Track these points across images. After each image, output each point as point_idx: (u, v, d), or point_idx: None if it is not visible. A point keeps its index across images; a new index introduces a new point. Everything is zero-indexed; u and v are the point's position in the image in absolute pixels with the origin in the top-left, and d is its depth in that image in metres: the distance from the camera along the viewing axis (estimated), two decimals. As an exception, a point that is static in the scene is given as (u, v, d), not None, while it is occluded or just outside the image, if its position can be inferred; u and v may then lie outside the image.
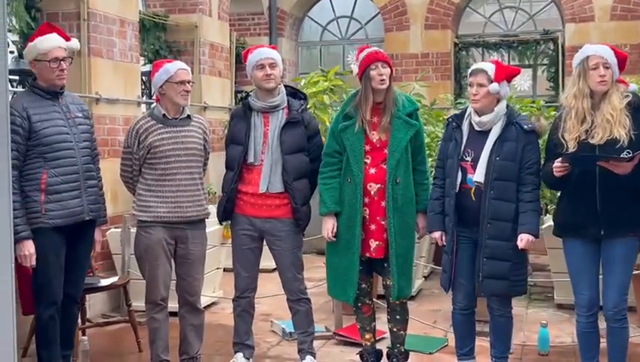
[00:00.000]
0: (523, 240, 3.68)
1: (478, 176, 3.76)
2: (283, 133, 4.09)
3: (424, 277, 6.63)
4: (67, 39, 3.90)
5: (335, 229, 4.02)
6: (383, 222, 3.96)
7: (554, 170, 3.60)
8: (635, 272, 4.97)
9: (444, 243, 3.90)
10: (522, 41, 9.89)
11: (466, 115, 3.90)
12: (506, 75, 3.82)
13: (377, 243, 3.98)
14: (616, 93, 3.60)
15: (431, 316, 5.45)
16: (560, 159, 3.57)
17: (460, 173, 3.81)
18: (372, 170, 3.97)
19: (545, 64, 9.80)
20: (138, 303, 4.66)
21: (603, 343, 3.80)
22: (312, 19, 10.87)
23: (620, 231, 3.59)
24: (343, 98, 5.63)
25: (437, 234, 3.93)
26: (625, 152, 3.45)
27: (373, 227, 3.98)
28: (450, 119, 4.01)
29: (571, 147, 3.61)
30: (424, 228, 4.08)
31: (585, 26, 9.33)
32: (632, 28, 9.25)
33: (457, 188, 3.81)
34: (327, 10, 10.69)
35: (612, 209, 3.55)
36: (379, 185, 3.96)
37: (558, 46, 9.61)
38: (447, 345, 4.75)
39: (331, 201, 4.03)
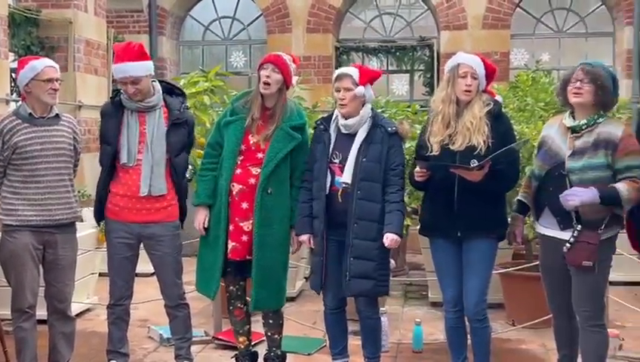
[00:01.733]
0: (388, 238, 3.76)
1: (346, 177, 3.81)
2: (170, 134, 4.00)
3: (305, 278, 6.67)
4: None
5: (206, 222, 4.00)
6: (241, 224, 3.95)
7: (415, 174, 3.74)
8: (502, 271, 5.26)
9: (312, 246, 3.93)
10: (400, 47, 10.17)
11: (333, 118, 3.94)
12: (369, 78, 3.90)
13: (234, 244, 3.96)
14: (479, 102, 3.72)
15: (311, 316, 5.49)
16: (418, 166, 3.71)
17: (328, 175, 3.86)
18: (238, 171, 3.95)
19: (421, 70, 10.13)
20: (4, 311, 4.43)
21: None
22: (194, 18, 10.72)
23: (476, 233, 3.73)
24: (224, 99, 5.59)
25: (304, 238, 3.94)
26: (471, 161, 3.58)
27: (231, 227, 3.97)
28: (318, 122, 4.02)
29: (435, 150, 3.72)
30: (298, 244, 4.05)
31: (459, 33, 9.72)
32: (502, 36, 9.74)
33: (327, 190, 3.85)
34: (209, 10, 10.58)
35: (468, 211, 3.68)
36: (241, 187, 3.94)
37: (433, 52, 9.95)
38: (325, 346, 4.80)
39: (204, 193, 4.01)
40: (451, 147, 3.70)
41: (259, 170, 3.91)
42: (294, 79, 4.04)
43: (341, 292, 3.91)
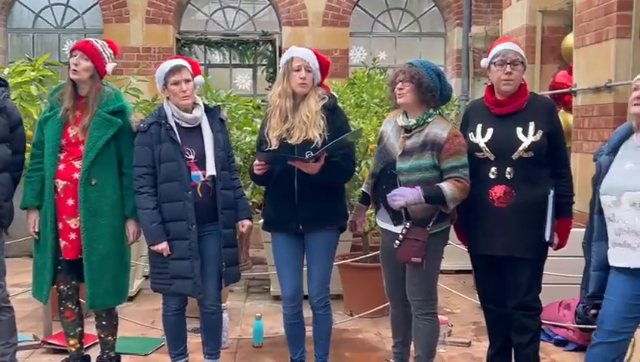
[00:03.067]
0: (246, 225, 3.88)
1: (211, 169, 3.76)
2: None
3: (144, 276, 6.48)
4: None
5: (37, 225, 3.84)
6: (68, 222, 3.79)
7: (254, 167, 3.73)
8: (339, 262, 5.38)
9: (170, 253, 3.75)
10: (242, 41, 10.14)
11: (170, 115, 3.81)
12: (196, 69, 3.92)
13: (64, 243, 3.81)
14: (314, 96, 3.78)
15: (149, 316, 5.34)
16: (257, 158, 3.72)
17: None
18: (62, 166, 3.78)
19: (264, 64, 10.15)
20: None
21: (309, 332, 4.01)
22: (23, 4, 10.06)
23: (316, 226, 3.79)
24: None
25: (163, 246, 3.74)
26: (307, 153, 3.63)
27: (60, 226, 3.80)
28: (148, 123, 3.80)
29: (274, 145, 3.74)
30: (134, 234, 3.91)
31: (300, 29, 9.83)
32: (341, 34, 9.95)
33: (189, 188, 3.74)
34: (38, -4, 10.00)
35: (308, 205, 3.73)
36: (65, 183, 3.77)
37: (276, 47, 10.00)
38: (164, 345, 4.68)
39: (30, 195, 3.83)
40: (289, 141, 3.72)
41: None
42: (109, 66, 3.87)
43: (196, 292, 3.80)
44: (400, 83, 3.59)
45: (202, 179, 3.76)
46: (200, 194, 3.77)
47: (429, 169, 3.54)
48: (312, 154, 3.60)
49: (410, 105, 3.62)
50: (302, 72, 3.73)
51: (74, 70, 3.75)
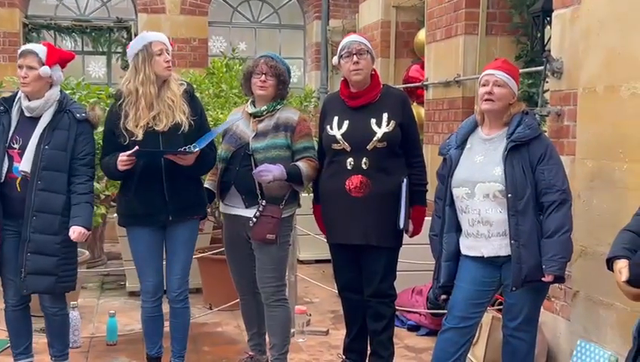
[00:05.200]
0: (75, 232, 3.54)
1: (25, 165, 3.52)
2: None
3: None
4: None
5: None
6: None
7: (119, 163, 3.53)
8: (199, 255, 5.29)
9: None
10: (96, 27, 9.73)
11: (16, 99, 3.63)
12: (59, 58, 3.67)
13: None
14: (174, 81, 3.70)
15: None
16: (127, 153, 3.52)
17: (6, 161, 3.54)
18: None
19: (119, 52, 9.78)
20: None
21: (166, 328, 3.91)
22: None
23: (186, 216, 3.74)
24: None
25: None
26: (192, 146, 3.55)
27: None
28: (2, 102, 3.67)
29: (140, 135, 3.58)
30: None
31: (156, 17, 9.57)
32: (200, 23, 9.80)
33: (3, 178, 3.52)
34: None
35: (177, 196, 3.66)
36: None
37: (131, 35, 9.67)
38: (9, 346, 4.40)
39: None
40: (156, 128, 3.60)
41: None
42: None
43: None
44: (264, 75, 3.69)
45: (22, 173, 3.53)
46: (18, 189, 3.54)
47: (284, 148, 3.70)
48: (197, 147, 3.53)
49: (266, 98, 3.76)
50: (165, 55, 3.65)
51: None
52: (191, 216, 3.77)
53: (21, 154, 3.53)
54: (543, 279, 3.12)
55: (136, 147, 3.53)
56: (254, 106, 3.79)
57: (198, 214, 3.82)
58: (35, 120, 3.59)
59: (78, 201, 3.58)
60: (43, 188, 3.52)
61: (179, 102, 3.64)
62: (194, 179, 3.78)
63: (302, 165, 3.69)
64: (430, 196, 3.68)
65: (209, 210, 4.20)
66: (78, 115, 3.64)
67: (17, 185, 3.53)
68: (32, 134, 3.55)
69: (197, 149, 3.55)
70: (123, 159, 3.52)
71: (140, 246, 3.78)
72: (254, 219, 3.62)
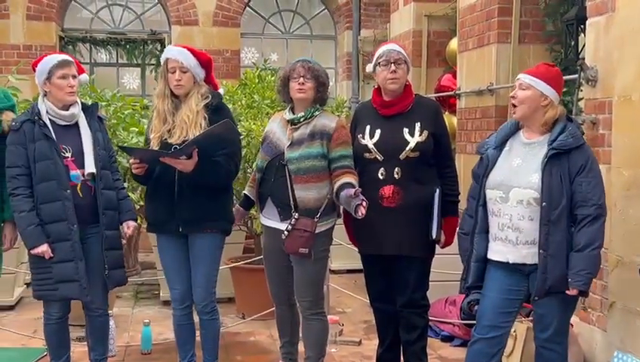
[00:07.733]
0: (131, 227, 3.75)
1: (90, 167, 3.61)
2: None
3: (26, 284, 6.19)
4: None
5: None
6: None
7: (132, 167, 3.64)
8: (231, 265, 5.33)
9: (53, 256, 3.54)
10: (130, 40, 9.89)
11: (45, 112, 3.61)
12: (79, 68, 3.79)
13: None
14: (196, 96, 3.69)
15: (32, 325, 5.10)
16: (132, 156, 3.65)
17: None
18: None
19: (153, 64, 9.92)
20: None
21: (198, 337, 3.92)
22: None
23: (196, 228, 3.71)
24: None
25: (44, 248, 3.53)
26: (172, 147, 3.57)
27: None
28: (21, 120, 3.60)
29: (155, 145, 3.67)
30: (10, 240, 3.75)
31: (190, 29, 9.69)
32: (232, 34, 9.90)
33: (69, 188, 3.57)
34: None
35: (188, 205, 3.66)
36: None
37: (165, 47, 9.79)
38: (46, 355, 4.48)
39: None
40: (169, 140, 3.64)
41: None
42: None
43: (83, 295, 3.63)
44: (302, 78, 3.62)
45: (81, 178, 3.61)
46: (80, 195, 3.61)
47: (318, 157, 3.60)
48: (177, 148, 3.54)
49: (306, 101, 3.66)
50: (176, 74, 3.65)
51: None
52: (203, 228, 3.71)
53: (75, 162, 3.60)
54: (567, 292, 3.07)
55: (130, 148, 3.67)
56: (293, 113, 3.72)
57: (212, 228, 3.74)
58: (71, 127, 3.66)
59: (123, 196, 3.79)
60: (104, 187, 3.67)
61: (194, 119, 3.63)
62: (212, 191, 3.69)
63: (353, 180, 3.53)
64: (463, 206, 3.65)
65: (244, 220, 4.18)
66: (99, 115, 3.80)
67: (79, 192, 3.61)
68: (81, 139, 3.64)
69: (178, 150, 3.51)
70: (131, 161, 3.64)
71: (166, 254, 3.84)
72: (286, 233, 3.57)
